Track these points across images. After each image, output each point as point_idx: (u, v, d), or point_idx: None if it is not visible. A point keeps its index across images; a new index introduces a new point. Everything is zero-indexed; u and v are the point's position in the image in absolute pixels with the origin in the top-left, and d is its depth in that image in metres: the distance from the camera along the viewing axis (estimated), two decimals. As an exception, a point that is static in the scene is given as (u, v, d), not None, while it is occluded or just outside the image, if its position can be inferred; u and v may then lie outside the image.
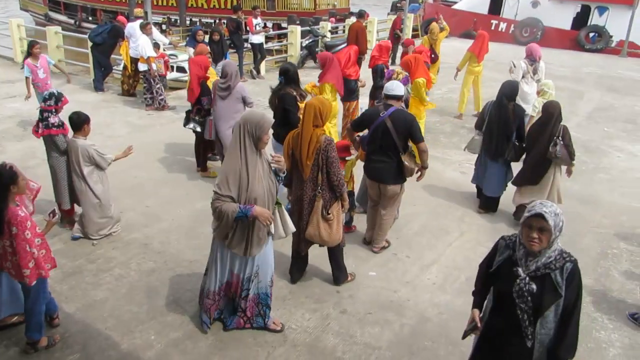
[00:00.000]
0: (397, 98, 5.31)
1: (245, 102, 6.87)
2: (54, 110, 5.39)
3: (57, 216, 4.00)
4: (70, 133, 5.45)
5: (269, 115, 3.63)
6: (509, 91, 6.37)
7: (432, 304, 4.84)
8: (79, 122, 5.30)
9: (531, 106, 8.22)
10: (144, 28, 10.32)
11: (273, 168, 3.95)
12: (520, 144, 6.33)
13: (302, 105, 5.24)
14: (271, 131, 3.65)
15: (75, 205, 5.73)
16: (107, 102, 10.70)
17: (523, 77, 8.90)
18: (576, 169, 8.03)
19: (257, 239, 3.98)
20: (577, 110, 11.75)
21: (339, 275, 5.02)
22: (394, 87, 5.34)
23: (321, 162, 4.45)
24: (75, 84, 12.14)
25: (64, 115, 5.51)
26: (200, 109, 7.01)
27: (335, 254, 4.94)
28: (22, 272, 3.69)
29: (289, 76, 6.22)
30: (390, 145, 5.19)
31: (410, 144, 5.34)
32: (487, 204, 6.74)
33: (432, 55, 10.71)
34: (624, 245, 6.08)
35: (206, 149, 7.43)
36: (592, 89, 14.30)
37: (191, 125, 7.10)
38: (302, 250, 4.88)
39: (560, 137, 5.94)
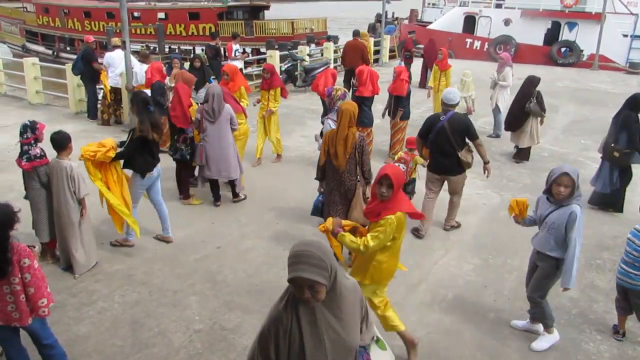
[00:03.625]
0: (454, 105, 6.25)
1: (231, 123, 6.91)
2: (32, 141, 5.27)
3: (37, 247, 3.95)
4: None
5: (322, 246, 2.26)
6: (632, 102, 7.18)
7: (421, 323, 4.82)
8: (64, 141, 5.20)
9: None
10: (146, 58, 10.44)
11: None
12: (628, 149, 7.04)
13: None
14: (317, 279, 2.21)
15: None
16: (87, 132, 10.62)
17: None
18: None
19: None
20: (553, 124, 11.96)
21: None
22: (452, 96, 6.26)
23: (357, 156, 5.25)
24: (54, 115, 12.08)
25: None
26: (186, 137, 6.97)
27: None
28: (38, 304, 3.63)
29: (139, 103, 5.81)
30: (448, 144, 6.10)
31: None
32: (600, 199, 7.40)
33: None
34: (607, 256, 6.14)
35: (187, 177, 7.38)
36: (567, 103, 14.59)
37: (178, 155, 7.06)
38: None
39: (533, 98, 8.73)
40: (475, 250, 6.21)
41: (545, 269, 4.38)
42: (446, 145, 6.12)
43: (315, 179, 5.59)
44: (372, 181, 5.21)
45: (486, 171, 6.38)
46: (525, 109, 8.78)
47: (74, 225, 5.34)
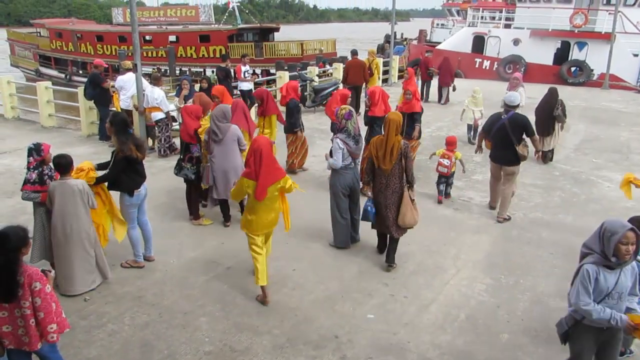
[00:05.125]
0: (515, 106, 7.43)
1: (239, 144, 6.93)
2: (32, 166, 5.28)
3: (53, 272, 3.94)
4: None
5: None
6: None
7: (433, 344, 4.75)
8: (68, 163, 5.21)
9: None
10: (157, 81, 10.60)
11: None
12: None
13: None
14: None
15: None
16: (98, 154, 10.70)
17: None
18: (568, 201, 8.18)
19: None
20: (565, 143, 11.89)
21: (393, 257, 6.12)
22: (513, 99, 7.47)
23: (403, 161, 5.80)
24: (66, 138, 12.22)
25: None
26: (192, 157, 7.02)
27: (397, 241, 6.11)
28: (48, 330, 3.61)
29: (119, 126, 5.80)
30: (507, 138, 7.23)
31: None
32: None
33: (369, 71, 14.68)
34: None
35: (197, 197, 7.39)
36: (578, 122, 14.52)
37: (182, 173, 7.10)
38: (398, 235, 6.04)
39: (559, 105, 9.97)
40: (487, 269, 6.14)
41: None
42: (505, 140, 7.25)
43: (363, 182, 6.38)
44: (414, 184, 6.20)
45: (537, 155, 8.50)
46: (554, 113, 9.94)
47: (89, 241, 5.37)
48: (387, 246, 6.23)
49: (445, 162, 8.15)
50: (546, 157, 10.36)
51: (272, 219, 5.37)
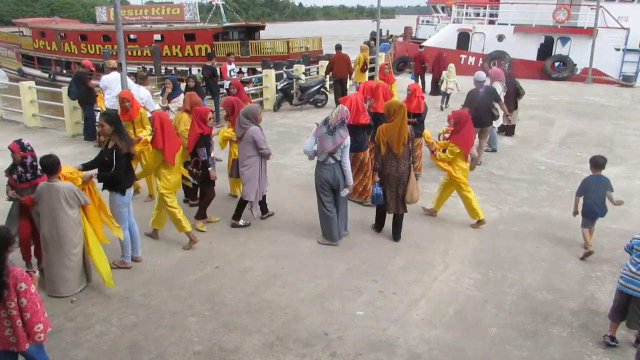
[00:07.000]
0: (483, 82, 9.88)
1: (256, 146, 6.75)
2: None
3: (37, 272, 3.90)
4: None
5: None
6: None
7: (422, 340, 4.77)
8: (55, 163, 5.10)
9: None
10: (143, 80, 10.46)
11: None
12: None
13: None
14: None
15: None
16: (84, 154, 10.60)
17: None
18: (553, 194, 8.24)
19: None
20: (549, 137, 12.01)
21: (400, 234, 6.73)
22: (481, 75, 10.04)
23: (410, 144, 6.46)
24: (50, 138, 12.08)
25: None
26: (197, 161, 6.86)
27: (402, 218, 6.72)
28: (34, 330, 3.58)
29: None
30: (486, 105, 9.53)
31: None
32: None
33: (364, 66, 15.90)
34: (607, 268, 6.12)
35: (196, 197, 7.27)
36: (562, 116, 14.67)
37: (197, 180, 6.97)
38: (404, 211, 6.67)
39: (520, 86, 11.55)
40: (474, 264, 6.18)
41: None
42: (486, 107, 9.45)
43: (374, 169, 6.74)
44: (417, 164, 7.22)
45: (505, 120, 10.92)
46: (520, 92, 11.46)
47: (73, 245, 5.31)
48: (393, 225, 6.76)
49: None
50: (512, 130, 12.06)
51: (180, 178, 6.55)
